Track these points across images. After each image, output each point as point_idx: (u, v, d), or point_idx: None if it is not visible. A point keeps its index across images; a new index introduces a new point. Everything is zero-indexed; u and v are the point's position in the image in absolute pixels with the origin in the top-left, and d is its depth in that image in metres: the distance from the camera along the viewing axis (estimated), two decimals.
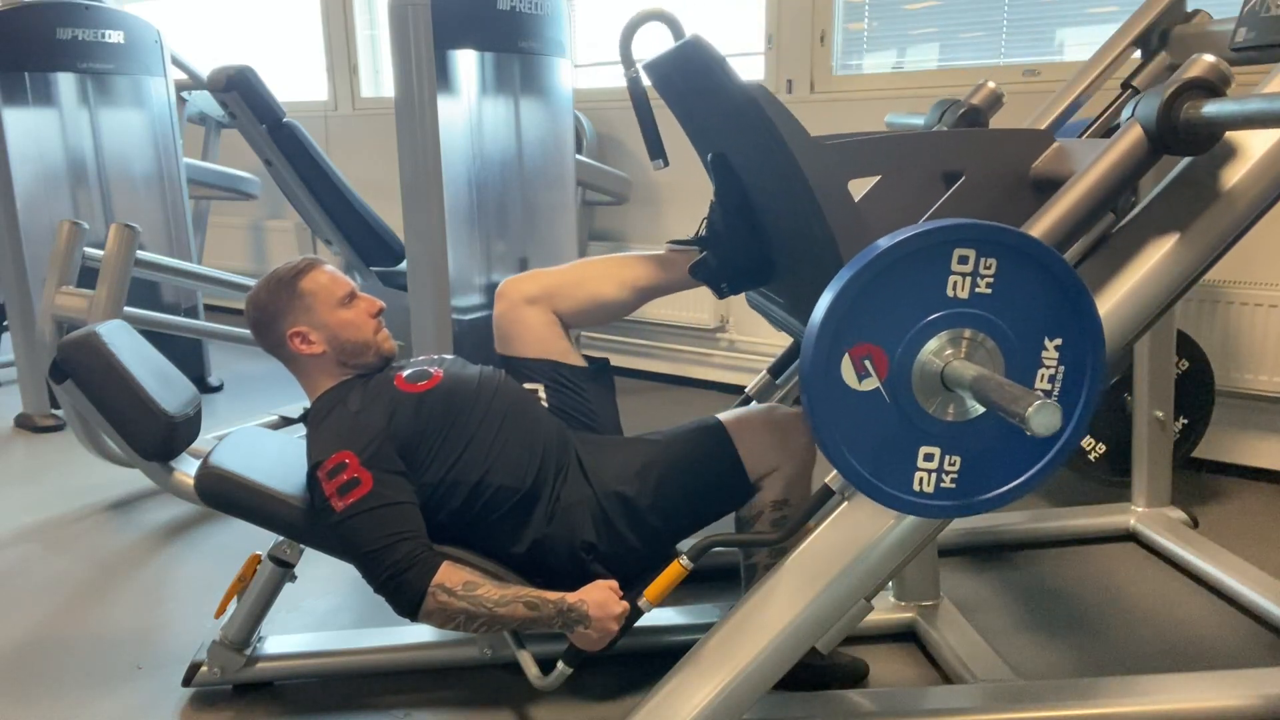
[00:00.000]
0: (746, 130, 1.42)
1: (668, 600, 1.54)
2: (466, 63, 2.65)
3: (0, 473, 3.04)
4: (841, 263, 1.15)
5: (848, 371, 1.13)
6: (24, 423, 3.43)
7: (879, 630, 1.93)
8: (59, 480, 2.93)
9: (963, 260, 1.10)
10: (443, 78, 2.57)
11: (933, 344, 1.13)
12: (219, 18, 5.35)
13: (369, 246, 3.64)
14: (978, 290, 1.12)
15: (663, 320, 3.69)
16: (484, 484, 1.61)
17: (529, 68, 2.80)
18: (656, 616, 1.86)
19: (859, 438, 1.15)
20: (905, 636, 1.95)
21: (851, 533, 1.41)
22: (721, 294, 1.72)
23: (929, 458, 1.17)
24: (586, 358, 1.85)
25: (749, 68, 3.47)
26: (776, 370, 2.07)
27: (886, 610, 1.95)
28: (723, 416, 1.69)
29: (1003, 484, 1.19)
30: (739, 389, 2.19)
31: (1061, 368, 1.15)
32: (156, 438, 1.89)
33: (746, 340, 3.59)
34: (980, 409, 1.15)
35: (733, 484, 1.64)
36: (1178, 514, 2.34)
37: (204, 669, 1.80)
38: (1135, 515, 2.36)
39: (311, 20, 4.67)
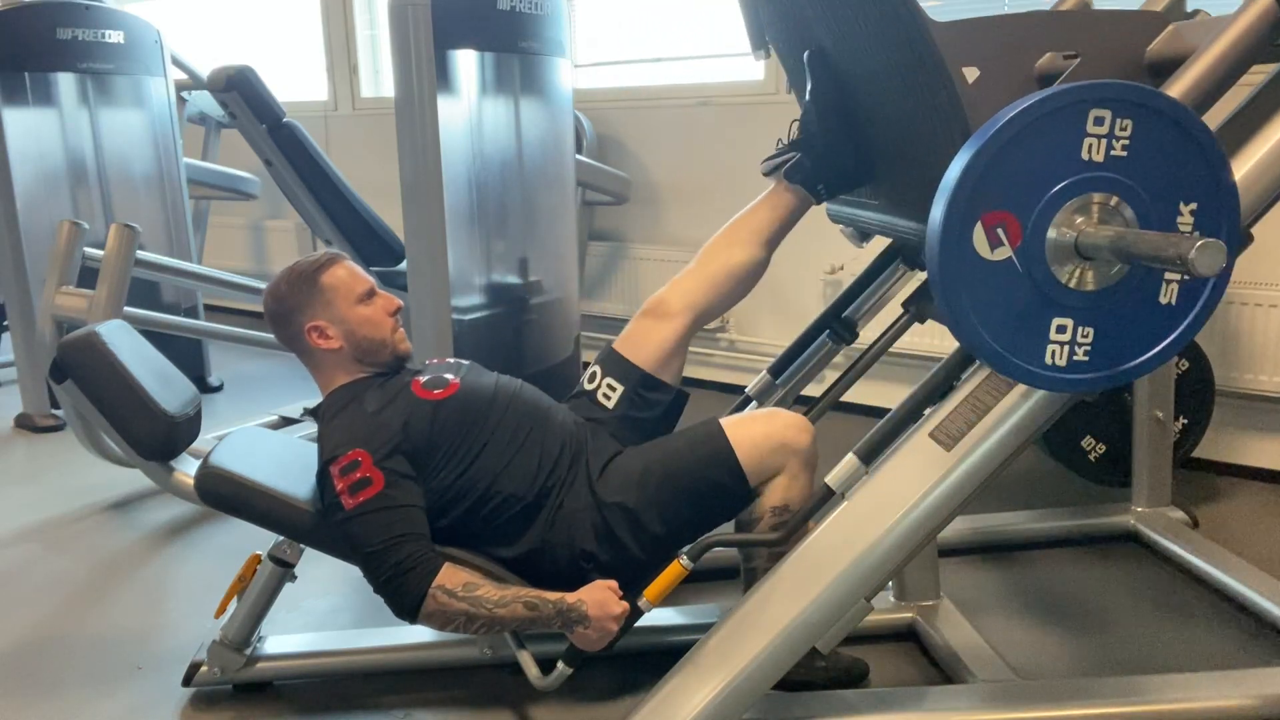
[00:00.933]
0: (861, 11, 1.39)
1: (668, 600, 1.55)
2: (466, 63, 2.64)
3: (0, 473, 3.04)
4: (961, 141, 1.12)
5: (980, 240, 1.11)
6: (24, 423, 3.43)
7: (879, 630, 1.93)
8: (59, 480, 2.93)
9: (1099, 121, 1.09)
10: (443, 78, 2.56)
11: (1066, 210, 1.11)
12: (219, 18, 5.35)
13: (369, 246, 3.64)
14: (1113, 153, 1.10)
15: None
16: (491, 491, 1.62)
17: (529, 68, 2.80)
18: (656, 616, 1.86)
19: (990, 310, 1.13)
20: (905, 636, 1.95)
21: (851, 533, 1.42)
22: (819, 197, 1.72)
23: (1061, 329, 1.16)
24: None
25: (749, 68, 3.47)
26: (776, 370, 2.07)
27: (886, 610, 1.95)
28: (723, 421, 1.69)
29: (1137, 356, 1.18)
30: (739, 389, 2.18)
31: (1196, 233, 1.13)
32: (156, 438, 1.89)
33: (746, 340, 3.59)
34: (1114, 279, 1.13)
35: (733, 489, 1.64)
36: (1178, 514, 2.34)
37: (204, 669, 1.80)
38: (1135, 515, 2.36)
39: (311, 20, 4.67)
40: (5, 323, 3.69)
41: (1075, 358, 1.17)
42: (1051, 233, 1.12)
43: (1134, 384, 2.30)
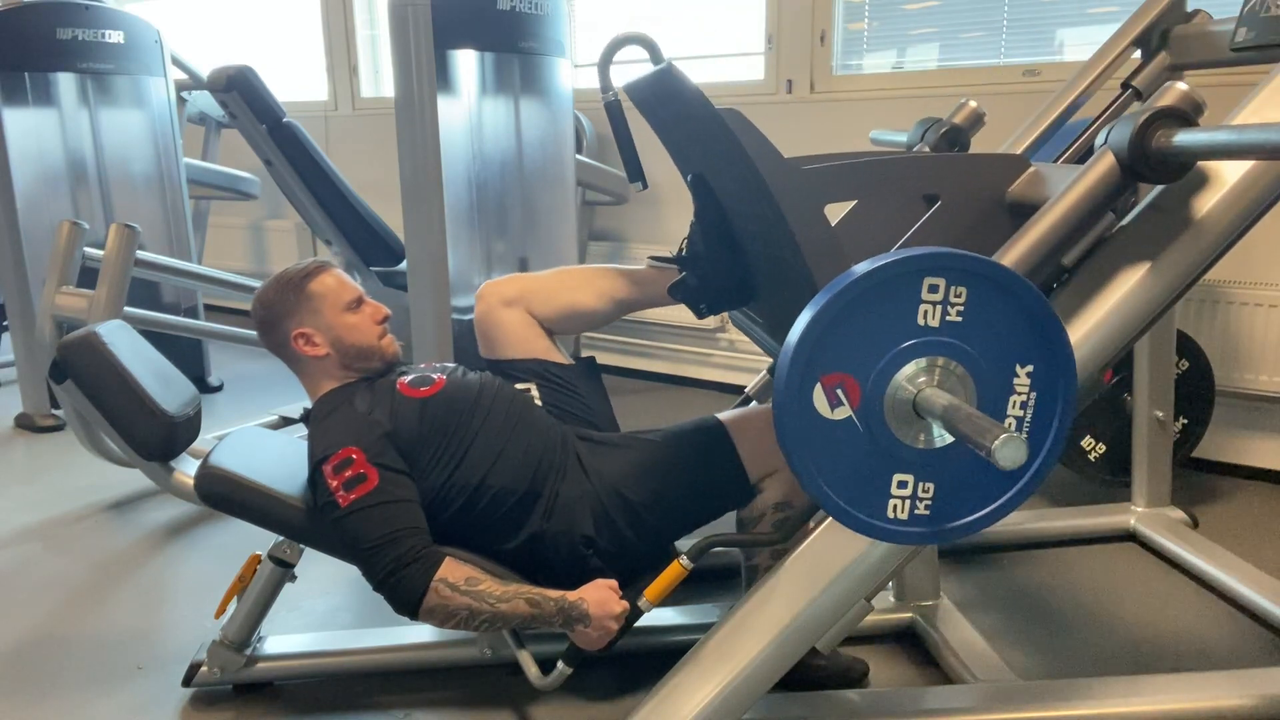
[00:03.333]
0: (721, 155, 1.42)
1: (668, 600, 1.54)
2: (466, 63, 2.65)
3: (0, 473, 3.04)
4: (816, 288, 1.15)
5: (820, 401, 1.13)
6: (24, 423, 3.43)
7: (879, 630, 1.93)
8: (59, 480, 2.93)
9: (933, 289, 1.11)
10: (443, 78, 2.57)
11: (905, 371, 1.13)
12: (219, 18, 5.35)
13: (369, 246, 3.64)
14: (949, 318, 1.12)
15: (663, 320, 3.69)
16: (484, 486, 1.62)
17: (529, 68, 2.80)
18: (656, 616, 1.86)
19: (833, 466, 1.15)
20: (905, 636, 1.95)
21: (852, 533, 1.41)
22: (701, 314, 1.72)
23: (903, 484, 1.18)
24: (573, 356, 1.86)
25: (749, 68, 3.47)
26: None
27: (886, 610, 1.95)
28: (723, 416, 1.69)
29: (976, 510, 1.20)
30: (739, 389, 2.19)
31: (1034, 393, 1.16)
32: (156, 438, 1.89)
33: (746, 340, 3.58)
34: (952, 438, 1.15)
35: (733, 485, 1.64)
36: (1178, 514, 2.34)
37: (204, 669, 1.80)
38: (1135, 515, 2.36)
39: (311, 20, 4.67)
40: (5, 323, 3.69)
41: (917, 511, 1.19)
42: (890, 394, 1.14)
43: (1134, 384, 2.31)
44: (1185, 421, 2.56)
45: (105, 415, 1.89)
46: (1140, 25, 1.88)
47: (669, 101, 1.51)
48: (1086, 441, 2.50)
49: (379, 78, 4.64)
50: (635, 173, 1.80)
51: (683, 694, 1.43)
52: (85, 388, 1.89)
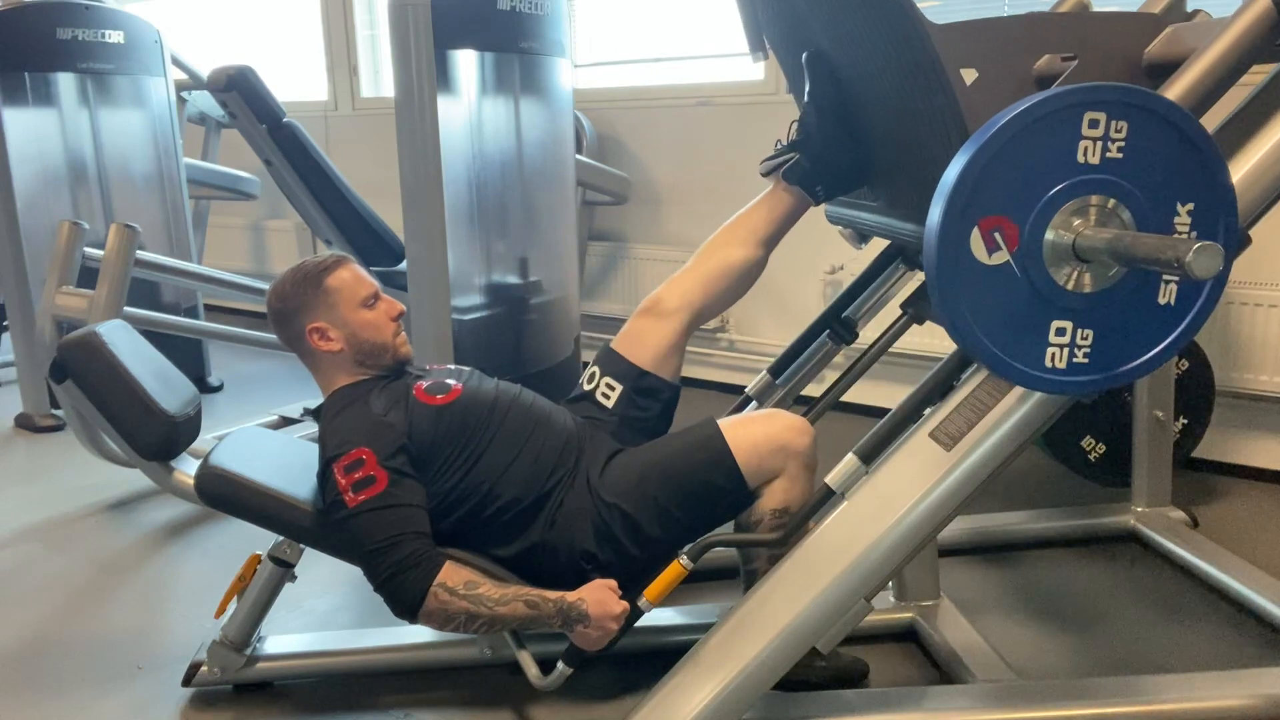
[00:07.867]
0: (859, 13, 1.40)
1: (668, 600, 1.55)
2: (466, 63, 2.64)
3: (0, 473, 3.04)
4: (959, 143, 1.12)
5: (977, 245, 1.11)
6: (24, 423, 3.43)
7: (879, 630, 1.93)
8: (59, 480, 2.93)
9: (1093, 124, 1.09)
10: (443, 78, 2.56)
11: (1063, 213, 1.11)
12: (219, 18, 5.35)
13: (369, 246, 3.64)
14: (1109, 155, 1.10)
15: None
16: (492, 494, 1.62)
17: (529, 68, 2.80)
18: (656, 616, 1.86)
19: (988, 314, 1.13)
20: (905, 636, 1.95)
21: (851, 533, 1.42)
22: (817, 198, 1.72)
23: (1061, 332, 1.16)
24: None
25: (749, 68, 3.46)
26: (776, 370, 2.07)
27: (886, 610, 1.95)
28: (722, 422, 1.68)
29: (1137, 356, 1.18)
30: (739, 389, 2.18)
31: (1194, 233, 1.13)
32: (156, 438, 1.89)
33: (746, 340, 3.59)
34: (1112, 280, 1.13)
35: (732, 492, 1.64)
36: (1178, 514, 2.34)
37: (204, 669, 1.80)
38: (1135, 515, 2.36)
39: (311, 20, 4.67)
40: (5, 323, 3.69)
41: (1075, 360, 1.17)
42: (1049, 236, 1.12)
43: (1134, 384, 2.31)
44: (1185, 421, 2.56)
45: (105, 415, 1.89)
46: None
47: None
48: (1087, 441, 2.50)
49: (379, 78, 4.64)
50: (756, 43, 1.82)
51: (683, 694, 1.43)
52: (85, 388, 1.89)
